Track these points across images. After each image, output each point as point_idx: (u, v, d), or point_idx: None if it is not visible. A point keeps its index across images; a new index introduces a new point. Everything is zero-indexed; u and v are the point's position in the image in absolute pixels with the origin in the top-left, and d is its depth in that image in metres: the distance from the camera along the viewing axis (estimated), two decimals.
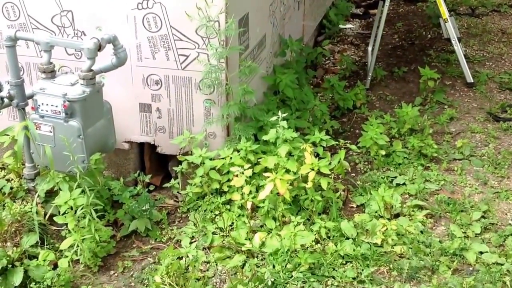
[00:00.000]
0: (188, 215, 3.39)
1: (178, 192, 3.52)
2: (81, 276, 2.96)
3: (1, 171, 3.62)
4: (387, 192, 3.27)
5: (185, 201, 3.44)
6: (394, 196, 3.31)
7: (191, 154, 3.37)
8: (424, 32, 6.13)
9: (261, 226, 3.21)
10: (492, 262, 2.92)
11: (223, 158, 3.33)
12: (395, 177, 3.65)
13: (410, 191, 3.51)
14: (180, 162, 3.42)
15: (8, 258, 2.87)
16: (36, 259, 2.96)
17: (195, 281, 2.83)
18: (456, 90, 4.86)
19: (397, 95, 4.85)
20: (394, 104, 4.68)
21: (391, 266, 2.91)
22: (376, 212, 3.27)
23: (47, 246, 3.06)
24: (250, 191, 3.25)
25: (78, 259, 3.00)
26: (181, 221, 3.39)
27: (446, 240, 3.10)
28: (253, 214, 3.28)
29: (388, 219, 3.21)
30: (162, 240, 3.22)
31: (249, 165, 3.29)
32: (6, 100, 3.10)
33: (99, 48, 2.94)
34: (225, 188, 3.36)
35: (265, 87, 4.06)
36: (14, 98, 3.10)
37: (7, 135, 3.38)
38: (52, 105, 2.93)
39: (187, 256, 2.98)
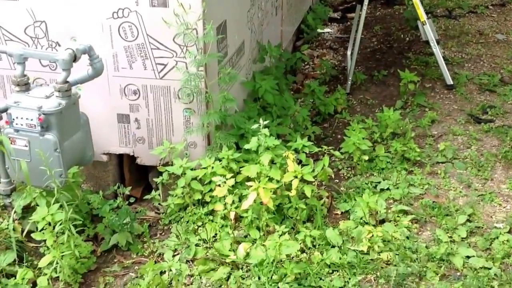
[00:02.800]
0: (170, 227, 3.32)
1: (159, 204, 3.45)
2: None
3: None
4: (371, 198, 3.24)
5: (167, 212, 3.37)
6: (378, 202, 3.27)
7: (172, 165, 3.31)
8: (402, 35, 6.14)
9: (245, 236, 3.15)
10: (479, 267, 2.90)
11: (204, 168, 3.27)
12: (379, 182, 3.61)
13: (395, 196, 3.48)
14: (160, 173, 3.35)
15: None
16: (14, 278, 2.87)
17: None
18: (436, 93, 4.86)
19: (377, 99, 4.84)
20: (375, 108, 4.67)
21: (378, 273, 2.87)
22: (361, 218, 3.23)
23: (25, 264, 2.98)
24: (233, 200, 3.20)
25: (58, 277, 2.91)
26: (163, 234, 3.31)
27: (433, 245, 3.07)
28: (236, 224, 3.22)
29: (374, 225, 3.17)
30: (144, 254, 3.14)
31: (231, 174, 3.23)
32: None
33: (74, 59, 2.87)
34: (208, 199, 3.30)
35: (245, 94, 4.01)
36: None
37: None
38: (27, 119, 2.85)
39: (170, 270, 2.91)
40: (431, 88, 4.93)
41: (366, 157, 3.76)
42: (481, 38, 5.98)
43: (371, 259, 2.96)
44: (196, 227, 3.23)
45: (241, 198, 3.21)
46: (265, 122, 3.25)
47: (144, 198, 3.47)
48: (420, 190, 3.54)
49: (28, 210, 3.09)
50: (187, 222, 3.26)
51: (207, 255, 3.03)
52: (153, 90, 3.30)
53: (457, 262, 2.92)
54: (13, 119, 2.87)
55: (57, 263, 2.85)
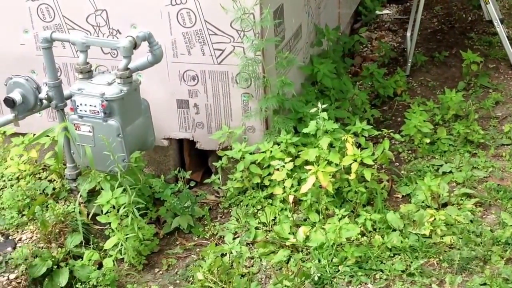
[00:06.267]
0: (230, 210, 3.35)
1: (219, 188, 3.50)
2: (126, 275, 2.96)
3: (43, 172, 3.65)
4: (433, 181, 3.17)
5: (226, 196, 3.41)
6: (441, 185, 3.20)
7: (231, 149, 3.34)
8: (464, 15, 5.95)
9: (305, 220, 3.15)
10: None
11: (263, 152, 3.28)
12: (441, 165, 3.53)
13: (457, 179, 3.39)
14: (220, 157, 3.39)
15: (53, 259, 2.89)
16: (81, 259, 2.97)
17: (240, 278, 2.79)
18: (500, 73, 4.69)
19: (438, 80, 4.72)
20: (436, 90, 4.55)
21: (441, 257, 2.82)
22: (422, 202, 3.17)
23: (91, 246, 3.07)
24: (292, 184, 3.20)
25: (123, 258, 3.00)
26: (223, 217, 3.36)
27: (498, 228, 2.98)
28: (295, 207, 3.23)
29: (436, 209, 3.11)
30: (205, 236, 3.19)
31: (290, 158, 3.23)
32: (45, 102, 3.11)
33: (135, 46, 2.92)
34: (266, 182, 3.31)
35: (303, 78, 3.99)
36: (53, 99, 3.11)
37: (48, 136, 3.40)
38: (90, 105, 2.93)
39: (231, 253, 2.95)
40: (495, 69, 4.76)
41: (428, 140, 3.68)
42: None
43: (434, 243, 2.91)
44: (256, 211, 3.25)
45: (300, 182, 3.20)
46: (324, 106, 3.22)
47: (204, 182, 3.52)
48: (484, 173, 3.44)
49: (93, 194, 3.19)
50: (247, 205, 3.29)
51: (267, 238, 3.05)
52: (211, 75, 3.32)
53: None
54: (77, 106, 2.97)
55: (121, 245, 2.94)
